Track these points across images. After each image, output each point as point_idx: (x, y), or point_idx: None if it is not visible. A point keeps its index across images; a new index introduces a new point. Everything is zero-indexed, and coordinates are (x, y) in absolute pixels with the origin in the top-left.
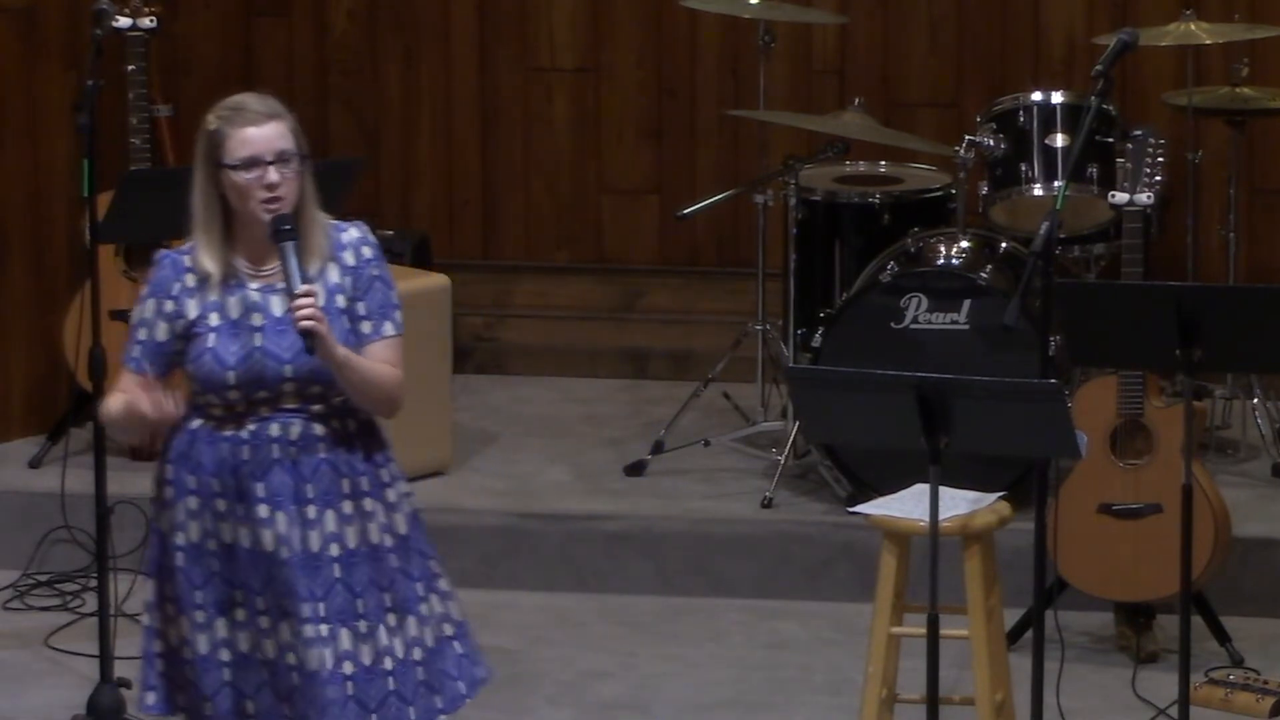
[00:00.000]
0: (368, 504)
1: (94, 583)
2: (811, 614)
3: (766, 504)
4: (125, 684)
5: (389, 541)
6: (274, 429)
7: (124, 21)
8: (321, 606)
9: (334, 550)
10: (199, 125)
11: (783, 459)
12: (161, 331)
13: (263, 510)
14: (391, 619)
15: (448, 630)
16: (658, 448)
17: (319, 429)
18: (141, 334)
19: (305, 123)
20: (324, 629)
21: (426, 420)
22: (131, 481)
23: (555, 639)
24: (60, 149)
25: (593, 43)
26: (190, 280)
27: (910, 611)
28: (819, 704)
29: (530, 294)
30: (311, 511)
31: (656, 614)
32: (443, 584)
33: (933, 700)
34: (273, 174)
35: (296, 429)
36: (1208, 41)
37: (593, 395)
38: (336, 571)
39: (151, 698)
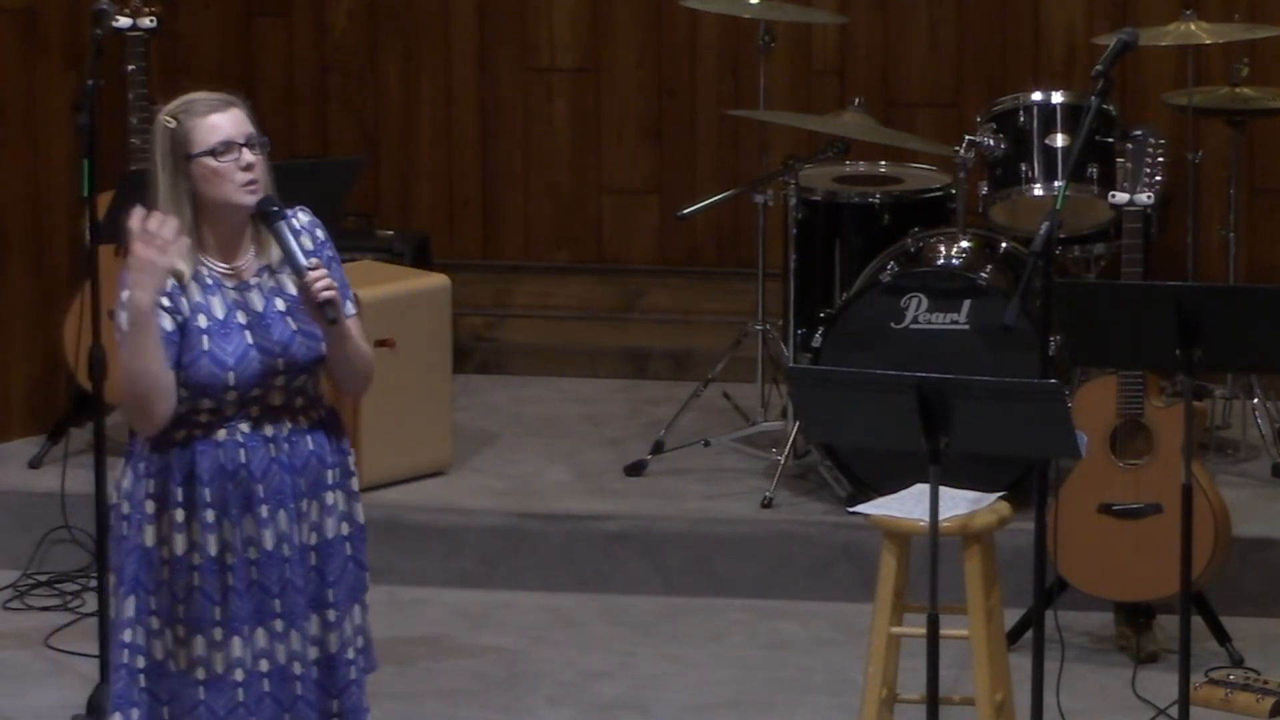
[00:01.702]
0: (329, 497)
1: (94, 583)
2: (811, 614)
3: (766, 504)
4: None
5: (345, 530)
6: (267, 428)
7: (124, 21)
8: (300, 600)
9: (313, 539)
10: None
11: (783, 459)
12: (167, 323)
13: (264, 511)
14: (331, 614)
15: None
16: (658, 448)
17: (304, 421)
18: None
19: (305, 123)
20: (316, 622)
21: (426, 420)
22: None
23: (555, 639)
24: (60, 149)
25: (593, 43)
26: (171, 282)
27: (910, 611)
28: (819, 704)
29: (530, 294)
30: (304, 505)
31: (656, 614)
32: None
33: (933, 700)
34: (248, 155)
35: (287, 425)
36: (1208, 41)
37: (593, 395)
38: (313, 560)
39: (135, 714)
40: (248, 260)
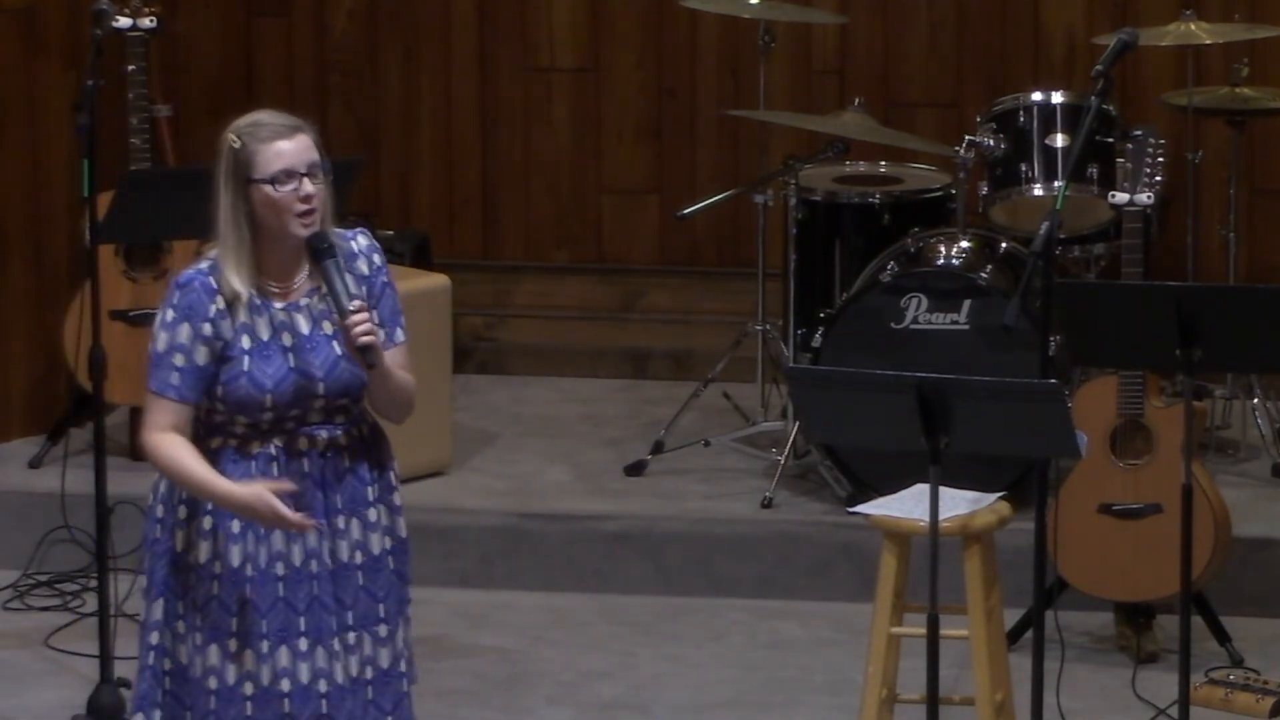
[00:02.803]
0: (372, 514)
1: (94, 583)
2: (811, 614)
3: (766, 504)
4: (125, 684)
5: (388, 544)
6: (302, 443)
7: (124, 21)
8: (350, 616)
9: (358, 559)
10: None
11: (783, 459)
12: (201, 355)
13: None
14: (382, 629)
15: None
16: (658, 448)
17: (342, 438)
18: (178, 360)
19: None
20: (352, 637)
21: (426, 420)
22: (131, 481)
23: (555, 639)
24: (60, 149)
25: (593, 43)
26: (220, 303)
27: (910, 611)
28: (819, 704)
29: (530, 294)
30: (340, 521)
31: (656, 614)
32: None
33: (933, 700)
34: (308, 185)
35: (323, 439)
36: (1208, 41)
37: (593, 395)
38: (360, 580)
39: (158, 715)
40: (300, 280)
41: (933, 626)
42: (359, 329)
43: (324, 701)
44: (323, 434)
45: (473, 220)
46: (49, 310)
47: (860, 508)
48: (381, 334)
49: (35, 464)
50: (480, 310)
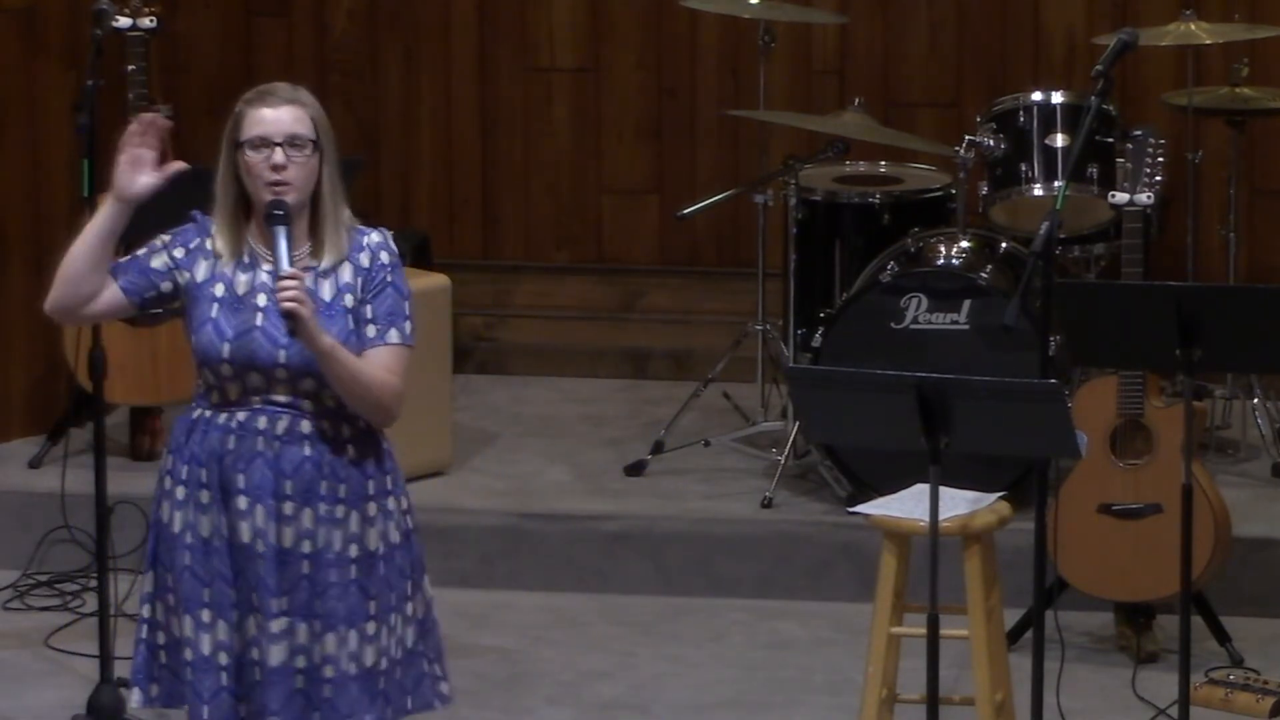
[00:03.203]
0: (339, 511)
1: (94, 583)
2: (811, 614)
3: (766, 504)
4: (125, 684)
5: (354, 553)
6: (261, 421)
7: (124, 21)
8: (285, 601)
9: (305, 548)
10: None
11: (783, 459)
12: (158, 260)
13: (242, 502)
14: (342, 629)
15: (396, 653)
16: (658, 448)
17: (306, 426)
18: (140, 252)
19: None
20: (285, 623)
21: (426, 420)
22: (131, 481)
23: (555, 639)
24: (60, 149)
25: (593, 43)
26: (209, 244)
27: (910, 611)
28: (819, 704)
29: (530, 294)
30: (289, 508)
31: (656, 614)
32: (409, 608)
33: (933, 700)
34: (279, 155)
35: (283, 423)
36: (1208, 41)
37: (593, 395)
38: (305, 568)
39: (155, 690)
40: (300, 254)
41: (933, 626)
42: (285, 293)
43: (223, 674)
44: (284, 416)
45: (473, 220)
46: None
47: (860, 508)
48: (335, 320)
49: (35, 464)
50: (480, 310)
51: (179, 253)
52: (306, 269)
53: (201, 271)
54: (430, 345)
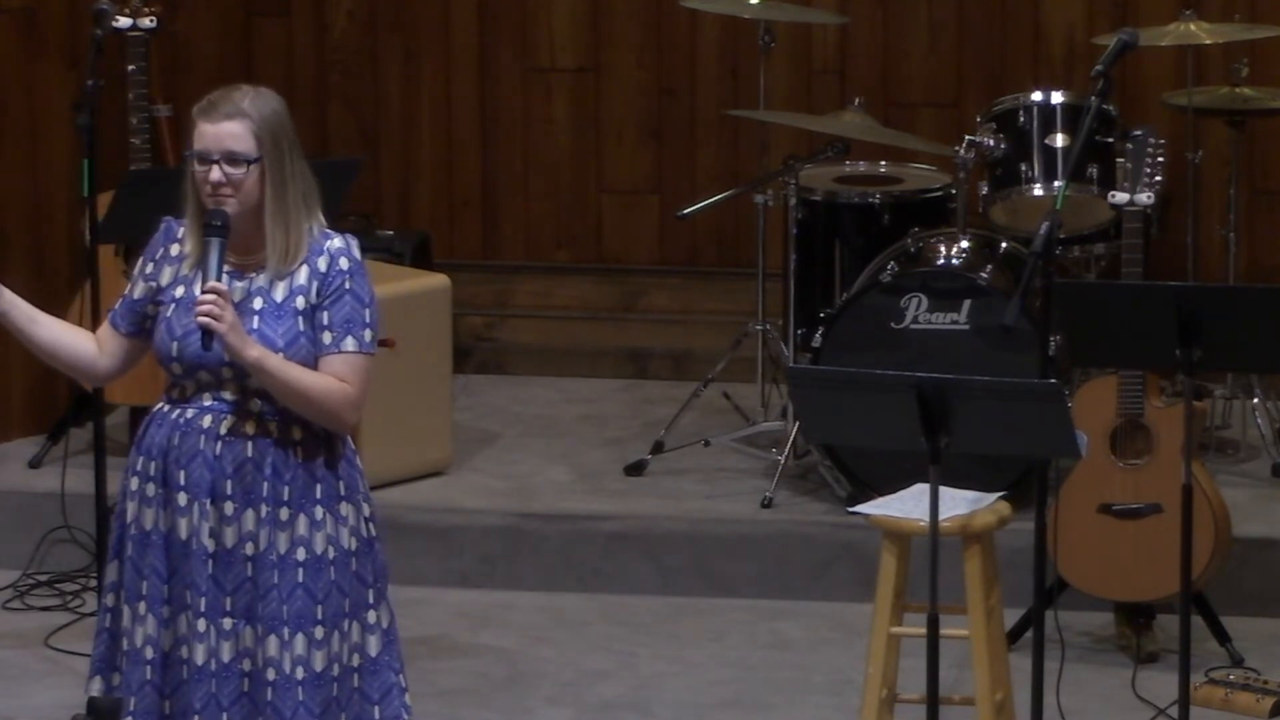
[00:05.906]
0: (284, 513)
1: (94, 583)
2: (811, 614)
3: (766, 504)
4: None
5: (300, 555)
6: (206, 419)
7: (124, 21)
8: (228, 601)
9: (248, 549)
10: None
11: (783, 459)
12: (139, 289)
13: (181, 499)
14: (286, 632)
15: (353, 661)
16: (658, 448)
17: (250, 427)
18: (128, 289)
19: (305, 123)
20: (227, 623)
21: (426, 420)
22: None
23: (555, 639)
24: (60, 149)
25: (593, 43)
26: (174, 249)
27: (910, 611)
28: (819, 704)
29: (530, 294)
30: (229, 508)
31: (656, 614)
32: (371, 616)
33: (933, 700)
34: (215, 173)
35: (228, 422)
36: (1208, 41)
37: (593, 395)
38: (248, 570)
39: (117, 679)
40: (259, 258)
41: (933, 626)
42: (201, 307)
43: (148, 668)
44: (229, 415)
45: (473, 220)
46: (49, 310)
47: (860, 508)
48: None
49: (35, 464)
50: (480, 310)
51: (149, 268)
52: (258, 270)
53: (166, 276)
54: (430, 345)
